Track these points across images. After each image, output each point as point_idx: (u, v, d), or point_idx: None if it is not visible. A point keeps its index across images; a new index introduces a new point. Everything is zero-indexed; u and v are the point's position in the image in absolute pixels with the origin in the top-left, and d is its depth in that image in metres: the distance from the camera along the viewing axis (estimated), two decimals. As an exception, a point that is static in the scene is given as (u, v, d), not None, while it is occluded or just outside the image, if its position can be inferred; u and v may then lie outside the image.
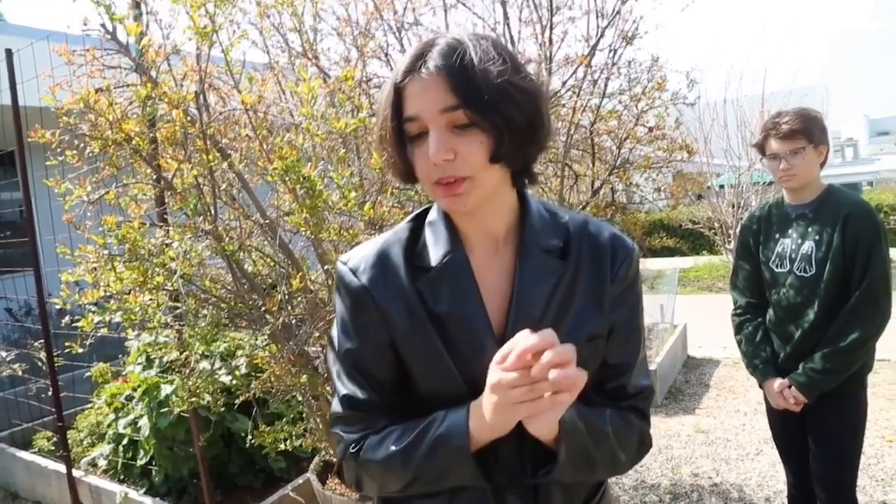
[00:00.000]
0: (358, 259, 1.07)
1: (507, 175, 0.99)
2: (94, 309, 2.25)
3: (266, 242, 2.82)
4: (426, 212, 1.10)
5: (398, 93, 0.94)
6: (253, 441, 2.91)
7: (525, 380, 0.83)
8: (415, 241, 1.06)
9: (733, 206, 8.62)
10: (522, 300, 0.98)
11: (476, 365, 0.95)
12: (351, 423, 1.03)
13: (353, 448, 1.02)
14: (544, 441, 0.96)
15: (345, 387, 1.04)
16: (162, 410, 3.49)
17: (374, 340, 1.02)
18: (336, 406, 1.06)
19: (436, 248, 1.03)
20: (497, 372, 0.86)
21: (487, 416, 0.90)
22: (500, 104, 0.89)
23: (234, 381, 2.68)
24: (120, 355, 4.26)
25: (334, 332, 1.07)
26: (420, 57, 0.92)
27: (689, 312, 7.65)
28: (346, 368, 1.04)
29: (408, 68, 0.92)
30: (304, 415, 3.20)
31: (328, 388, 2.65)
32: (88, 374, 3.05)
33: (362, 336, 1.03)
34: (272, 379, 2.61)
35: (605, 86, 3.36)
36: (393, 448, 0.97)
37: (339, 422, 1.05)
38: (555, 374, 0.79)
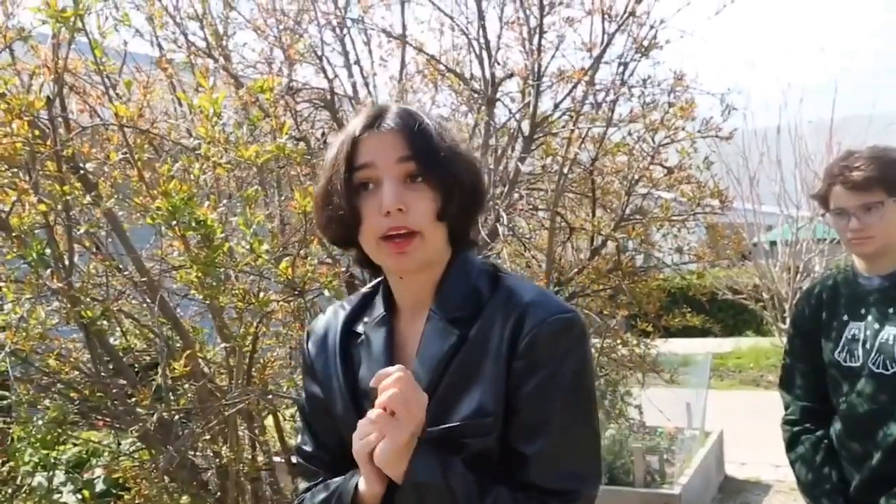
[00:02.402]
0: (314, 325, 1.50)
1: (446, 240, 1.34)
2: None
3: (144, 307, 2.80)
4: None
5: (354, 145, 1.29)
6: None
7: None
8: (362, 307, 1.45)
9: (789, 271, 8.76)
10: (417, 372, 1.28)
11: None
12: (303, 476, 1.48)
13: (296, 502, 1.45)
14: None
15: (300, 438, 1.50)
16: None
17: (317, 406, 1.44)
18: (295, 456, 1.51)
19: (370, 315, 1.41)
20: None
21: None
22: (449, 164, 1.28)
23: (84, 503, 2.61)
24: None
25: None
26: (377, 116, 1.30)
27: (728, 415, 7.67)
28: (302, 423, 1.50)
29: (366, 124, 1.29)
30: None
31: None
32: None
33: (309, 401, 1.46)
34: (139, 499, 2.55)
35: (612, 110, 3.45)
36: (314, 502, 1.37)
37: (297, 475, 1.52)
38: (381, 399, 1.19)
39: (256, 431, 2.94)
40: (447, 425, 1.26)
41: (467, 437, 1.26)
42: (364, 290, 1.49)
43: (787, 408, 2.60)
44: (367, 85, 3.49)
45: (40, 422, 2.34)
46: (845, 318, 2.43)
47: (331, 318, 1.47)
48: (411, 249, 1.26)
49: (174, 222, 2.19)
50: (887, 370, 2.29)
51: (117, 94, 2.65)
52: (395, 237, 1.26)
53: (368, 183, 1.28)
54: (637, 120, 3.50)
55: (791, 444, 2.55)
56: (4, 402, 2.38)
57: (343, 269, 2.89)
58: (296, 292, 2.49)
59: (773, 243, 9.73)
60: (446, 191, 1.28)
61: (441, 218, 1.29)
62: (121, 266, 2.61)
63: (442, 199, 1.28)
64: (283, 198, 2.83)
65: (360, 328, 1.41)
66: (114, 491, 2.87)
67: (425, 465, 1.21)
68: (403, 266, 1.30)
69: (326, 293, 2.53)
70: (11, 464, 2.45)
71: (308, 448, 1.45)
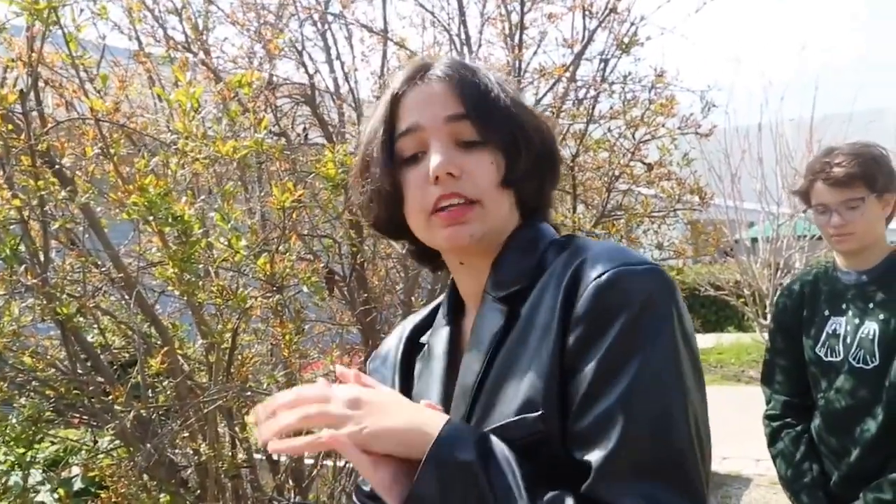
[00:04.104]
0: (378, 349, 1.29)
1: (516, 215, 1.10)
2: None
3: (122, 304, 2.77)
4: None
5: (395, 104, 1.08)
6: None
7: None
8: (432, 314, 1.23)
9: (770, 268, 8.81)
10: (465, 367, 1.06)
11: None
12: None
13: None
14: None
15: None
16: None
17: None
18: None
19: (436, 322, 1.19)
20: None
21: None
22: (513, 119, 1.06)
23: (61, 502, 2.58)
24: None
25: None
26: (422, 69, 1.08)
27: (710, 410, 7.68)
28: None
29: (409, 77, 1.08)
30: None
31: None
32: None
33: None
34: (117, 498, 2.53)
35: (593, 106, 3.47)
36: None
37: None
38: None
39: (237, 428, 2.91)
40: (487, 429, 0.97)
41: (511, 439, 0.94)
42: (440, 298, 1.23)
43: (768, 402, 2.62)
44: (348, 80, 3.47)
45: (15, 420, 2.32)
46: (826, 313, 2.44)
47: (395, 335, 1.26)
48: (469, 219, 1.03)
49: (151, 217, 2.15)
50: (867, 365, 2.29)
51: (94, 88, 2.61)
52: (447, 207, 1.03)
53: (416, 153, 1.06)
54: (618, 116, 3.52)
55: (772, 438, 2.57)
56: (-23, 400, 2.36)
57: (322, 264, 2.87)
58: (274, 288, 2.46)
59: (754, 240, 9.78)
60: (511, 151, 1.05)
61: (505, 184, 1.05)
62: (98, 262, 2.58)
63: (506, 161, 1.05)
64: (262, 193, 2.80)
65: (424, 338, 1.20)
66: (92, 490, 2.84)
67: (454, 441, 0.90)
68: (460, 239, 1.03)
69: (305, 289, 2.50)
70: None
71: (365, 488, 1.18)
